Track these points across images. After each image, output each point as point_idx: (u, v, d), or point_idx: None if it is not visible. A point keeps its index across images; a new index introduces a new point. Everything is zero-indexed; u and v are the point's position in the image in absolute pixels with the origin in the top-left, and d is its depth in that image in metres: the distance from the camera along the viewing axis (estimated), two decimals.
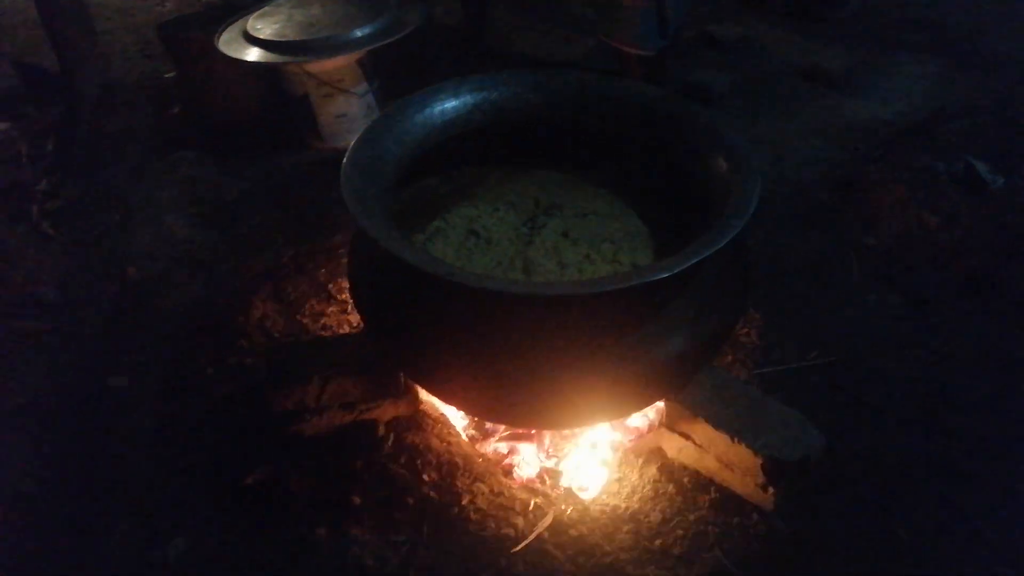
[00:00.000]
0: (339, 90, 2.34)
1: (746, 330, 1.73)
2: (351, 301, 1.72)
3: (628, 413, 1.39)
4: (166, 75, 2.91)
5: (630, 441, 1.51)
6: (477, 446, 1.54)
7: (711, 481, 1.43)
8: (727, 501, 1.39)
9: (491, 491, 1.42)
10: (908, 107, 2.59)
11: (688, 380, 1.35)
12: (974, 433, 1.51)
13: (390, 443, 1.48)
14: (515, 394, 1.20)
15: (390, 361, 1.43)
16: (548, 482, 1.47)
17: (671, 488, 1.42)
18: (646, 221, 1.43)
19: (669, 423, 1.44)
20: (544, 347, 1.15)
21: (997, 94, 2.58)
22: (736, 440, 1.33)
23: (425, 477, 1.42)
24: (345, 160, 1.24)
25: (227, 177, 2.30)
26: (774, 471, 1.31)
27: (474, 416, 1.51)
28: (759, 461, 1.31)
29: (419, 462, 1.44)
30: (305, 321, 1.75)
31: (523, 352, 1.15)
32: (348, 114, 2.40)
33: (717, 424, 1.35)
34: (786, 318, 1.76)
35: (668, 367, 1.22)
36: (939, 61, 2.88)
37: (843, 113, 2.60)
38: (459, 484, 1.42)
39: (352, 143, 1.30)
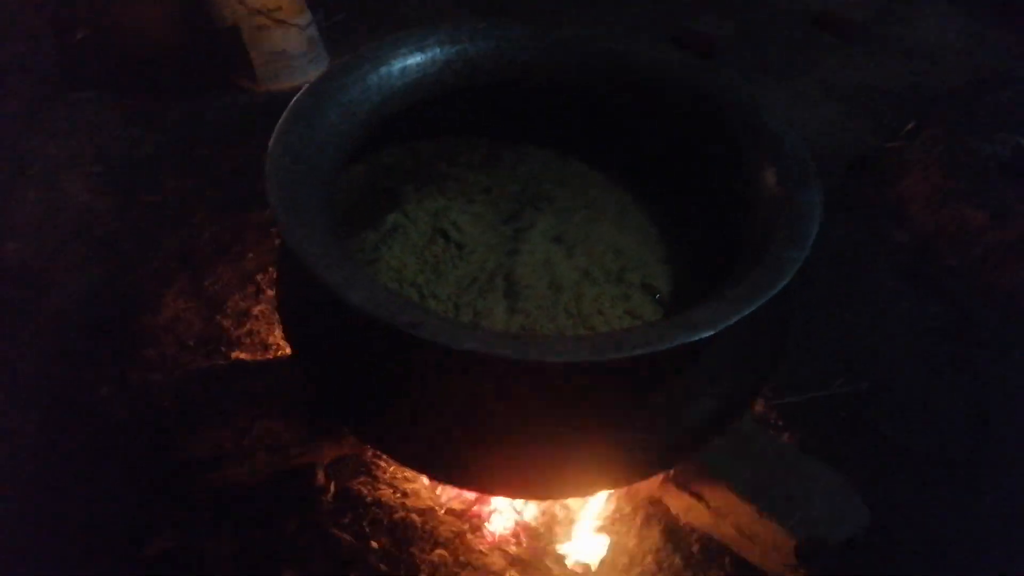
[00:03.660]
0: (275, 21, 1.94)
1: None
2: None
3: (635, 481, 1.11)
4: None
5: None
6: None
7: (726, 548, 1.17)
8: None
9: (455, 560, 1.14)
10: (935, 68, 2.28)
11: (712, 441, 1.07)
12: None
13: (331, 495, 1.18)
14: (499, 465, 0.91)
15: (333, 416, 1.13)
16: (525, 544, 1.20)
17: (678, 561, 1.16)
18: (651, 215, 1.14)
19: (677, 479, 1.18)
20: (539, 413, 0.87)
21: None
22: (765, 515, 1.07)
23: (374, 544, 1.14)
24: (272, 143, 0.92)
25: (138, 127, 1.89)
26: (811, 555, 1.06)
27: (446, 485, 1.22)
28: (793, 543, 1.06)
29: (367, 522, 1.16)
30: (227, 324, 1.41)
31: (509, 419, 0.87)
32: (287, 51, 2.00)
33: (742, 491, 1.09)
34: (805, 328, 1.49)
35: (690, 434, 0.95)
36: (967, 13, 2.56)
37: (861, 71, 2.28)
38: (416, 552, 1.14)
39: (282, 118, 0.96)
